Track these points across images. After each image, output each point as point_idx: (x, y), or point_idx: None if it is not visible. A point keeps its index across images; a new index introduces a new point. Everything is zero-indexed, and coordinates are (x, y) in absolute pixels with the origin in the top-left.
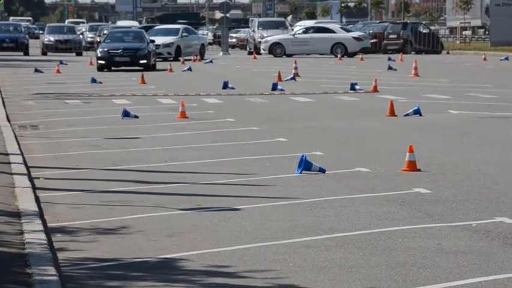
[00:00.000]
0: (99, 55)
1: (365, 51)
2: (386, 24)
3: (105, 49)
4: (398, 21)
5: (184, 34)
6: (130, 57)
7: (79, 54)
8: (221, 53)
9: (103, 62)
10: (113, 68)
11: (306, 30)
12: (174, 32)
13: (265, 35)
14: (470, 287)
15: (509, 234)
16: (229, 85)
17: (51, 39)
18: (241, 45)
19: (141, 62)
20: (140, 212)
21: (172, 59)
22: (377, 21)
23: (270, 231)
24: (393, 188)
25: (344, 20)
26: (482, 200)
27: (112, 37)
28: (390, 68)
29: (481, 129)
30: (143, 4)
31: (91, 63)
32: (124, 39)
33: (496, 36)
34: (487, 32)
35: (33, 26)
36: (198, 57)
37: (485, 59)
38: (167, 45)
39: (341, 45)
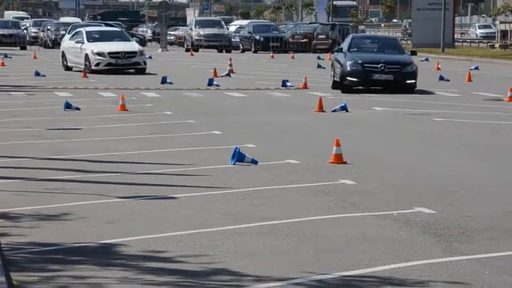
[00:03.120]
0: (348, 70)
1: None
2: (315, 25)
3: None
4: (327, 23)
5: None
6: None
7: (23, 48)
8: (160, 50)
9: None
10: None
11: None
12: None
13: (201, 33)
14: (390, 272)
15: (427, 223)
16: (168, 80)
17: None
18: (179, 42)
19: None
20: (81, 200)
21: None
22: (308, 22)
23: (204, 218)
24: (320, 179)
25: (331, 19)
26: (403, 191)
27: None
28: (319, 66)
29: (402, 124)
30: (85, 1)
31: (35, 57)
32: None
33: (417, 39)
34: None
35: None
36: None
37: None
38: None
39: None
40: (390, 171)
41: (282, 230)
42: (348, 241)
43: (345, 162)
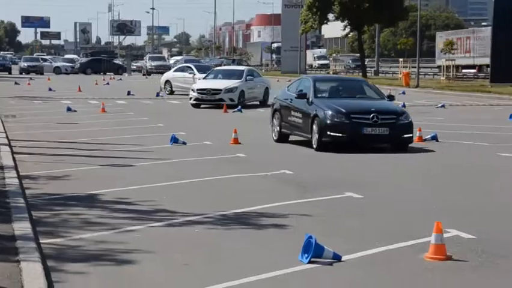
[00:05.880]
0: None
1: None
2: (222, 59)
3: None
4: (229, 58)
5: (249, 78)
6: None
7: (41, 74)
8: (126, 75)
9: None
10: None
11: None
12: (237, 75)
13: (152, 64)
14: (264, 209)
15: (288, 179)
16: (131, 93)
17: (25, 64)
18: (139, 70)
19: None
20: (76, 167)
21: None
22: (217, 57)
23: (152, 178)
24: (224, 153)
25: (274, 56)
26: (274, 159)
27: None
28: None
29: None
30: (80, 45)
31: (49, 79)
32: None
33: (284, 68)
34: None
35: (15, 56)
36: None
37: (278, 80)
38: (229, 90)
39: None
40: (268, 148)
41: (202, 184)
42: (239, 191)
43: (240, 143)
